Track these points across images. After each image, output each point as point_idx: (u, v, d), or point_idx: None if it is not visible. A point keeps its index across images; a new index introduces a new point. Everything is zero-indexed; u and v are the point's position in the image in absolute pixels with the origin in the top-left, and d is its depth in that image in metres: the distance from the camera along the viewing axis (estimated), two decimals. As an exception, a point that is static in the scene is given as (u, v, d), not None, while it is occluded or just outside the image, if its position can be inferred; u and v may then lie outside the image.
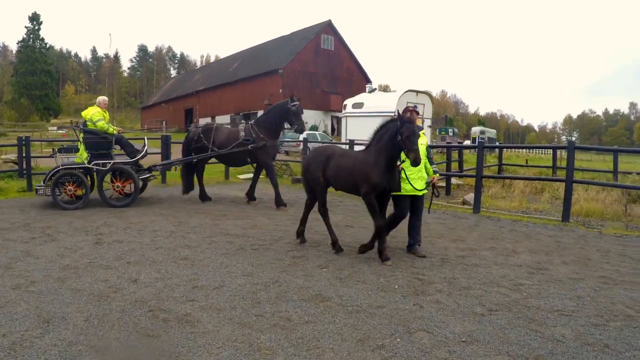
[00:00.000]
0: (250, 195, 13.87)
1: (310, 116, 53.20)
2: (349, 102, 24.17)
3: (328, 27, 62.49)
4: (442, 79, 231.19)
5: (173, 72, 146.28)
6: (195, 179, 14.33)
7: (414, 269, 7.20)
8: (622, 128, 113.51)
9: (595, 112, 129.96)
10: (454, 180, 18.41)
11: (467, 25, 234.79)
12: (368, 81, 59.61)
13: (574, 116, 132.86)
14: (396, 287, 6.38)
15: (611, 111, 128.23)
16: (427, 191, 8.23)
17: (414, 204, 8.13)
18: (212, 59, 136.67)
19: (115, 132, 13.08)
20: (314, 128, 50.36)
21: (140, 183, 13.70)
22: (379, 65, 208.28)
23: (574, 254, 8.52)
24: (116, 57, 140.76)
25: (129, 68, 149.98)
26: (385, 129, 7.43)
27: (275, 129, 13.40)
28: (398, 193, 7.84)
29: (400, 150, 7.24)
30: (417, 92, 21.06)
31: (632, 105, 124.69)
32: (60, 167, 12.49)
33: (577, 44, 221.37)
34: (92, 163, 12.73)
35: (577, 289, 6.57)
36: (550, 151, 34.52)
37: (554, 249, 8.74)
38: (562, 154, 23.91)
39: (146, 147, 13.66)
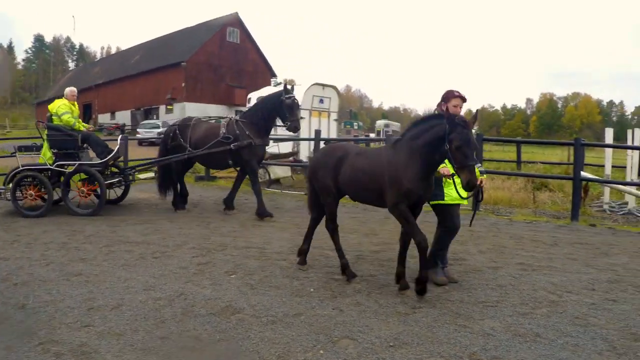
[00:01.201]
0: (228, 203, 11.68)
1: (213, 111, 52.36)
2: (253, 95, 23.60)
3: (234, 20, 61.36)
4: (348, 74, 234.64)
5: (71, 65, 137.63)
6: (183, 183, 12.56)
7: (329, 269, 6.86)
8: (519, 121, 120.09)
9: (494, 107, 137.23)
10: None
11: (372, 21, 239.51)
12: (273, 75, 59.22)
13: (474, 110, 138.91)
14: (312, 290, 6.01)
15: (509, 106, 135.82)
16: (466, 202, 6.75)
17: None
18: (113, 51, 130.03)
19: (83, 128, 11.68)
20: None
21: (123, 188, 12.37)
22: (286, 59, 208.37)
23: (489, 242, 8.56)
24: (10, 48, 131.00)
25: (23, 60, 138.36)
26: (426, 127, 5.59)
27: (265, 125, 11.41)
28: (441, 202, 6.24)
29: (443, 159, 5.59)
30: (324, 85, 20.85)
31: (528, 101, 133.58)
32: (21, 168, 11.10)
33: (480, 43, 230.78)
34: (56, 164, 11.24)
35: (498, 278, 6.52)
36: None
37: (468, 238, 8.71)
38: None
39: (118, 147, 12.17)
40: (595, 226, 10.40)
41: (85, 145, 11.72)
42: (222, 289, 6.05)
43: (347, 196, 6.59)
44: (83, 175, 11.62)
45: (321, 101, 20.14)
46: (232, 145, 10.99)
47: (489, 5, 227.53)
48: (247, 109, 12.17)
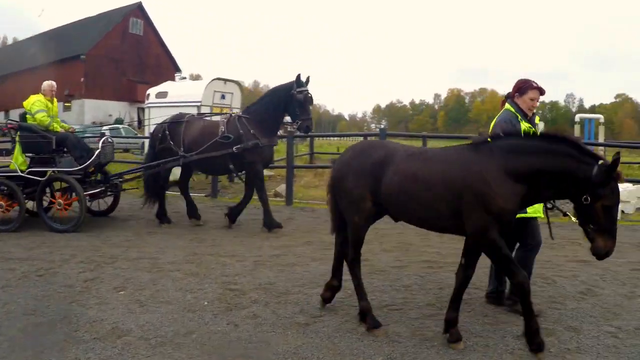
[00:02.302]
0: (232, 215, 9.93)
1: (115, 107, 50.67)
2: (152, 91, 22.46)
3: (138, 10, 58.84)
4: (256, 69, 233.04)
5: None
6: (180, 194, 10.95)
7: (225, 278, 6.45)
8: (427, 116, 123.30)
9: (402, 102, 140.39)
10: (265, 172, 18.07)
11: (283, 15, 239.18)
12: (178, 70, 57.45)
13: (383, 106, 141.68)
14: (206, 303, 5.58)
15: (417, 101, 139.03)
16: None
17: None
18: (10, 42, 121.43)
19: (60, 129, 10.14)
20: (120, 121, 47.14)
21: (113, 198, 10.92)
22: (192, 54, 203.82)
23: (394, 240, 8.46)
24: None
25: None
26: (546, 148, 4.28)
27: (272, 122, 9.83)
28: (524, 215, 5.21)
29: (555, 198, 4.73)
30: (226, 80, 20.25)
31: (437, 96, 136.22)
32: None
33: (389, 39, 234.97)
34: (28, 171, 9.83)
35: (403, 278, 6.39)
36: (362, 139, 35.72)
37: (373, 237, 8.52)
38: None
39: (99, 151, 10.26)
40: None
41: (64, 148, 10.20)
42: (109, 308, 5.50)
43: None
44: (63, 184, 10.12)
45: (223, 97, 19.49)
46: (234, 148, 9.41)
47: (397, 1, 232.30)
48: (251, 104, 10.40)
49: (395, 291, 5.89)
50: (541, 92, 5.33)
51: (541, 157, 4.23)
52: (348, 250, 5.06)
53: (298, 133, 10.97)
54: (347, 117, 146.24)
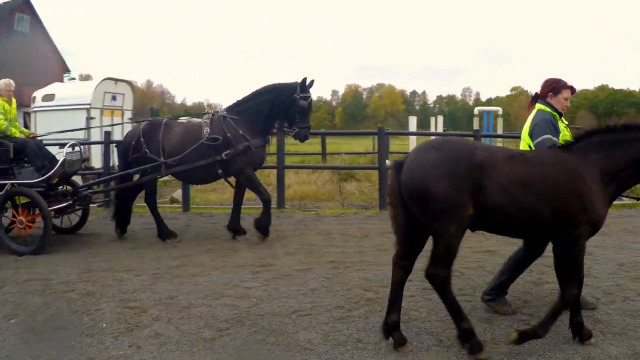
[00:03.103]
0: (235, 227, 9.04)
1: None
2: (38, 94, 21.01)
3: (24, 5, 55.21)
4: (150, 68, 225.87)
5: None
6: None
7: (123, 295, 6.08)
8: (324, 113, 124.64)
9: None
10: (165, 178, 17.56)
11: (184, 19, 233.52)
12: (67, 70, 54.63)
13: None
14: (104, 325, 5.23)
15: (315, 98, 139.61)
16: None
17: None
18: None
19: (20, 135, 9.06)
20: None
21: (81, 213, 9.64)
22: (84, 52, 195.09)
23: (296, 242, 8.40)
24: None
25: None
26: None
27: (264, 123, 8.82)
28: None
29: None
30: (117, 80, 19.37)
31: (334, 92, 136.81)
32: None
33: (284, 35, 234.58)
34: None
35: (309, 281, 6.32)
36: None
37: (274, 240, 8.47)
38: (272, 139, 24.70)
39: (64, 160, 8.88)
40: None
41: (24, 157, 9.08)
42: (0, 340, 5.10)
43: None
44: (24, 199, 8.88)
45: (114, 98, 18.60)
46: (224, 155, 8.47)
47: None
48: (238, 100, 9.10)
49: (302, 296, 5.80)
50: (572, 90, 5.34)
51: (633, 147, 4.28)
52: (431, 269, 4.33)
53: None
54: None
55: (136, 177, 9.54)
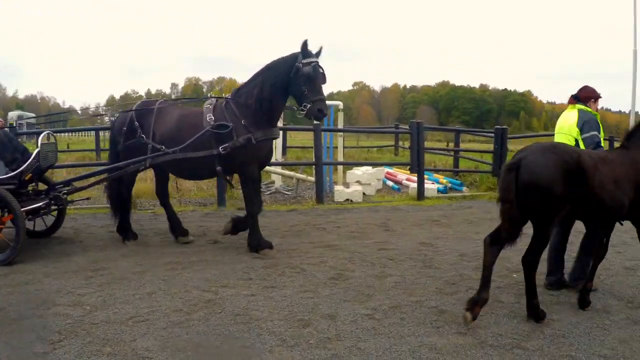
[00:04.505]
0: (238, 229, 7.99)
1: None
2: None
3: None
4: None
5: None
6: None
7: None
8: None
9: (138, 92, 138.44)
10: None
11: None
12: None
13: (117, 97, 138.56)
14: None
15: (154, 91, 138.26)
16: None
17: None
18: None
19: None
20: None
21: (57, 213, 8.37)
22: None
23: (132, 243, 8.09)
24: None
25: None
26: None
27: (270, 109, 7.54)
28: None
29: None
30: None
31: (174, 86, 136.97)
32: None
33: (107, 22, 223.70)
34: None
35: (146, 284, 6.13)
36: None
37: (108, 241, 8.13)
38: (105, 135, 23.67)
39: (38, 152, 7.73)
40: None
41: None
42: None
43: None
44: None
45: None
46: (220, 149, 7.33)
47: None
48: (242, 84, 7.92)
49: (139, 300, 5.60)
50: (598, 95, 6.44)
51: None
52: (530, 255, 5.18)
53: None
54: (79, 111, 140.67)
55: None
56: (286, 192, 13.63)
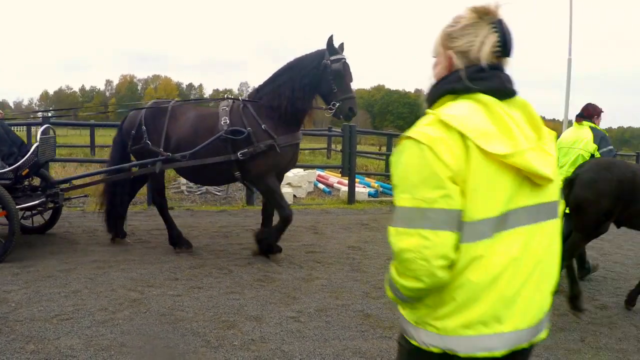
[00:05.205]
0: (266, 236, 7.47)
1: None
2: None
3: None
4: None
5: None
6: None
7: None
8: (98, 103, 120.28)
9: (72, 88, 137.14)
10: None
11: None
12: None
13: (51, 92, 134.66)
14: None
15: (88, 87, 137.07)
16: None
17: None
18: None
19: None
20: None
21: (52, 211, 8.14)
22: None
23: (60, 240, 8.06)
24: None
25: None
26: None
27: (299, 110, 7.12)
28: None
29: None
30: None
31: (108, 82, 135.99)
32: None
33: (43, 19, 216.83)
34: None
35: (72, 282, 6.14)
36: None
37: (37, 239, 8.04)
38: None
39: (37, 146, 7.38)
40: (173, 209, 10.62)
41: None
42: None
43: None
44: None
45: None
46: (239, 154, 6.95)
47: None
48: (263, 84, 7.40)
49: (64, 298, 5.62)
50: (600, 110, 7.11)
51: None
52: (567, 259, 5.70)
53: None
54: (12, 105, 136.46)
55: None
56: (217, 193, 13.69)
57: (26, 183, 7.90)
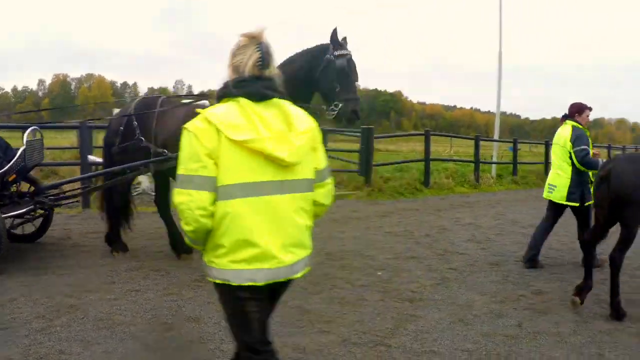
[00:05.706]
0: None
1: None
2: None
3: None
4: None
5: None
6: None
7: None
8: (30, 104, 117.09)
9: (3, 89, 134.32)
10: None
11: None
12: None
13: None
14: None
15: (20, 87, 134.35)
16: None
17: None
18: None
19: None
20: None
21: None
22: None
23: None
24: None
25: None
26: None
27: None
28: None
29: None
30: None
31: (41, 82, 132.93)
32: None
33: None
34: None
35: (7, 291, 5.97)
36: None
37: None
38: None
39: (24, 149, 7.04)
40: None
41: None
42: None
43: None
44: None
45: None
46: None
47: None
48: None
49: (0, 307, 5.50)
50: (590, 109, 7.56)
51: None
52: (617, 253, 5.73)
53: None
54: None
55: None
56: (153, 194, 13.55)
57: (13, 189, 7.54)
